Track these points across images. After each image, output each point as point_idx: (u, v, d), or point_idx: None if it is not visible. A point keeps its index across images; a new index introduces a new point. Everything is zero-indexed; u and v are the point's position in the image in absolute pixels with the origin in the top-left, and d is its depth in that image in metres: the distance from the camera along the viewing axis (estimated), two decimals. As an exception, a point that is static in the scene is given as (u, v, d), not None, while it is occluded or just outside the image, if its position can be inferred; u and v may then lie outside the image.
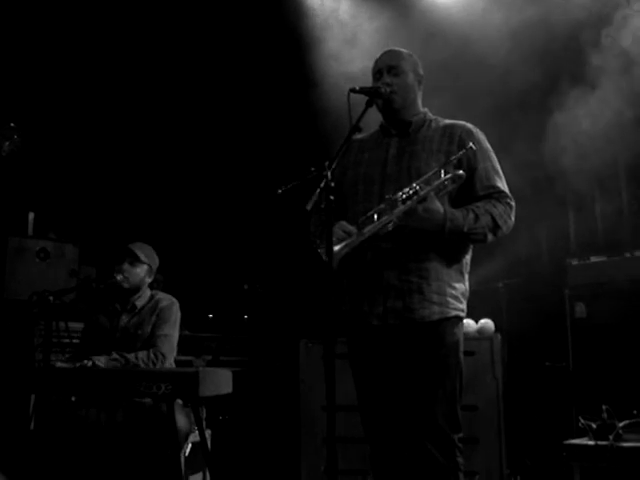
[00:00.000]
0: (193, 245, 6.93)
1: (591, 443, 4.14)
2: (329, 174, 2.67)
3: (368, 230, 2.98)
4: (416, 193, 2.94)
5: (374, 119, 3.36)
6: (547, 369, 5.36)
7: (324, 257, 2.72)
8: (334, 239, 2.87)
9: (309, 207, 2.62)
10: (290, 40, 6.43)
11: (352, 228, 3.00)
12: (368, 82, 3.30)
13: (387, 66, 3.25)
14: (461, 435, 3.08)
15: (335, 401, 2.60)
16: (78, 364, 4.10)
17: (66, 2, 6.30)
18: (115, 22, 6.54)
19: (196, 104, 6.92)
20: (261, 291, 4.78)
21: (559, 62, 5.50)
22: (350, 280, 3.21)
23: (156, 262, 4.63)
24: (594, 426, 4.18)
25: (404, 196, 2.96)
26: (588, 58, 5.33)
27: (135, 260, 4.50)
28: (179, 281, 5.96)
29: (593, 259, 5.14)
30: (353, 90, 3.06)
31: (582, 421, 4.26)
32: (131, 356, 4.20)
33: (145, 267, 4.54)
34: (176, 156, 7.02)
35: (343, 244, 2.93)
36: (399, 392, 3.10)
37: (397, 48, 3.36)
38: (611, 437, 4.07)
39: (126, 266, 4.48)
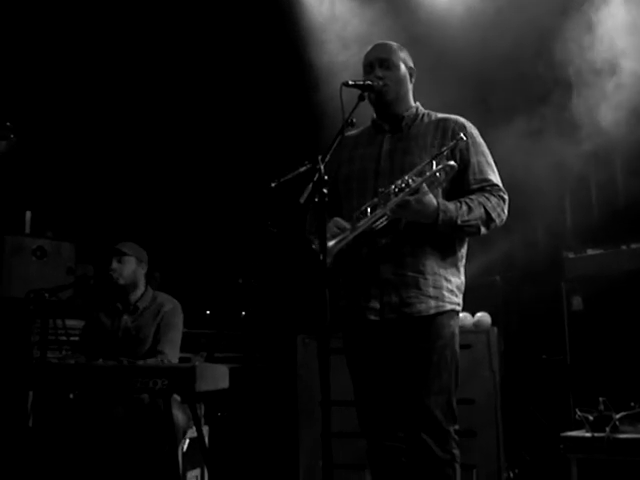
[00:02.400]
0: (188, 241, 6.92)
1: (588, 435, 4.15)
2: (322, 167, 2.68)
3: (361, 224, 2.99)
4: (408, 185, 2.95)
5: (368, 114, 3.36)
6: (544, 362, 5.37)
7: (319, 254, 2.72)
8: (328, 235, 2.87)
9: (302, 200, 2.63)
10: (284, 33, 6.42)
11: (346, 224, 3.02)
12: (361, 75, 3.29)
13: (378, 59, 3.24)
14: (457, 427, 3.09)
15: (330, 396, 2.60)
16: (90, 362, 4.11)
17: (62, 2, 6.30)
18: (109, 21, 6.53)
19: (190, 100, 6.91)
20: (256, 285, 4.78)
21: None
22: (346, 275, 3.21)
23: (143, 255, 4.64)
24: (591, 418, 4.19)
25: (396, 189, 2.97)
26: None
27: (121, 255, 4.52)
28: (175, 277, 5.97)
29: (590, 252, 5.14)
30: (346, 84, 3.05)
31: (579, 413, 4.27)
32: (140, 363, 4.20)
33: (133, 259, 4.55)
34: (170, 152, 7.02)
35: (337, 240, 2.94)
36: (395, 385, 3.11)
37: (388, 41, 3.35)
38: (608, 429, 4.08)
39: (115, 264, 4.50)
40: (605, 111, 5.31)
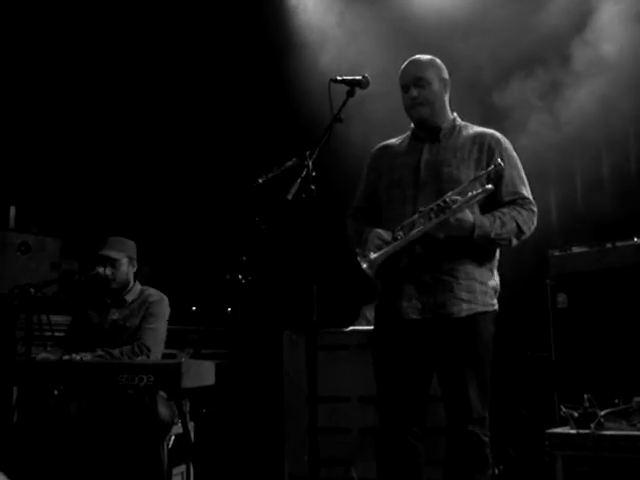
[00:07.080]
0: (174, 237, 6.90)
1: (573, 432, 4.17)
2: (310, 163, 2.69)
3: (404, 240, 3.14)
4: (448, 206, 3.09)
5: (355, 109, 3.39)
6: (529, 359, 5.38)
7: (362, 265, 3.08)
8: (371, 246, 3.13)
9: (290, 197, 2.65)
10: (268, 26, 6.43)
11: (386, 235, 3.18)
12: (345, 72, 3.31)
13: (413, 79, 3.35)
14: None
15: (317, 392, 2.62)
16: (66, 357, 4.07)
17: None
18: (95, 12, 6.50)
19: (177, 94, 6.89)
20: (244, 281, 4.77)
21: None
22: (384, 278, 3.34)
23: (133, 249, 4.62)
24: (576, 415, 4.20)
25: (437, 208, 3.11)
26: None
27: (114, 262, 4.49)
28: (161, 274, 5.94)
29: (575, 250, 5.16)
30: (334, 80, 3.10)
31: (564, 410, 4.29)
32: (115, 351, 4.19)
33: (125, 260, 4.54)
34: (158, 148, 6.99)
35: (379, 252, 3.12)
36: (423, 382, 3.32)
37: (420, 56, 3.44)
38: (592, 425, 4.10)
39: (109, 272, 4.47)
40: (592, 104, 5.33)
